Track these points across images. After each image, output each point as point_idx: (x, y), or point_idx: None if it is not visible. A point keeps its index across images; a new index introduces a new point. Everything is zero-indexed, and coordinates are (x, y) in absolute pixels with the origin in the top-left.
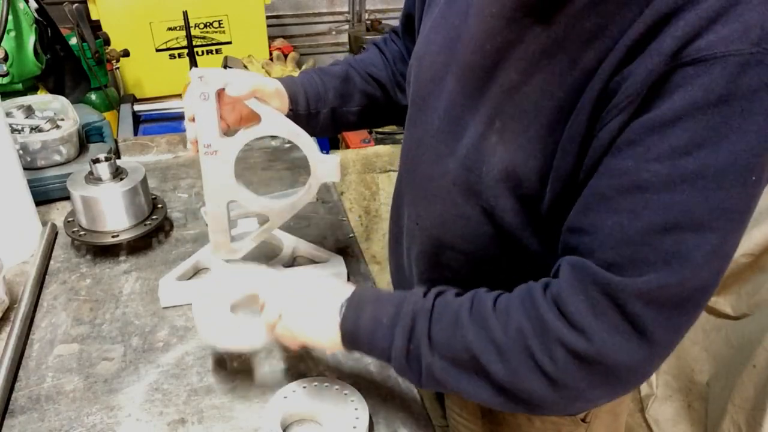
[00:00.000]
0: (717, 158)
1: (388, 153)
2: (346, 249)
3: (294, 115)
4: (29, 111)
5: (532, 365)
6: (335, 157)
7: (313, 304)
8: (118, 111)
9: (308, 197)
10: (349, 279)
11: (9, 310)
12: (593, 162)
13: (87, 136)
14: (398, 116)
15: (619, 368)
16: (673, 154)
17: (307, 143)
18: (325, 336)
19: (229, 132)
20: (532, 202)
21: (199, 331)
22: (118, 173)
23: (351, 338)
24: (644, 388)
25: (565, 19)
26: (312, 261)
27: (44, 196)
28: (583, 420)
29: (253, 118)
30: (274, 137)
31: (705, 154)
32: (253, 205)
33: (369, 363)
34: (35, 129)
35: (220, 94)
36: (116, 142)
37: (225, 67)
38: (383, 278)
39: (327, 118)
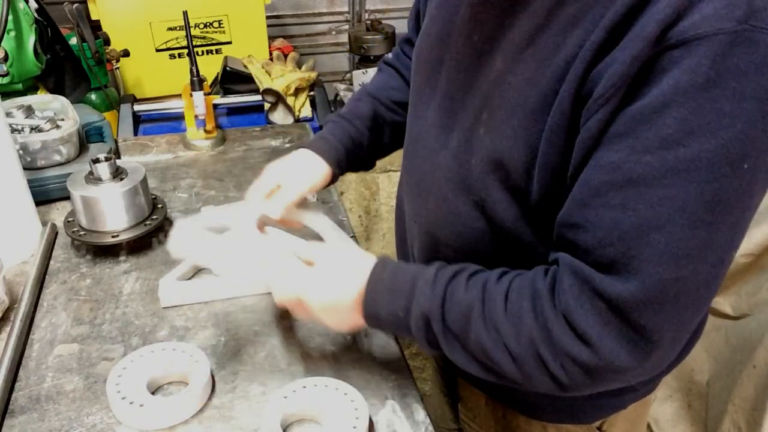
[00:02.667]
0: (708, 148)
1: None
2: None
3: (339, 172)
4: (29, 111)
5: (545, 372)
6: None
7: (333, 296)
8: (118, 111)
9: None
10: None
11: (9, 310)
12: (583, 153)
13: (87, 136)
14: None
15: (628, 372)
16: (664, 144)
17: (338, 238)
18: (347, 326)
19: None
20: (521, 193)
21: (168, 243)
22: (118, 173)
23: (375, 326)
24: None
25: (548, 4)
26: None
27: (44, 196)
28: (599, 428)
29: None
30: (274, 138)
31: (695, 143)
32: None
33: (369, 363)
34: (35, 129)
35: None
36: (116, 142)
37: (225, 67)
38: None
39: (363, 158)
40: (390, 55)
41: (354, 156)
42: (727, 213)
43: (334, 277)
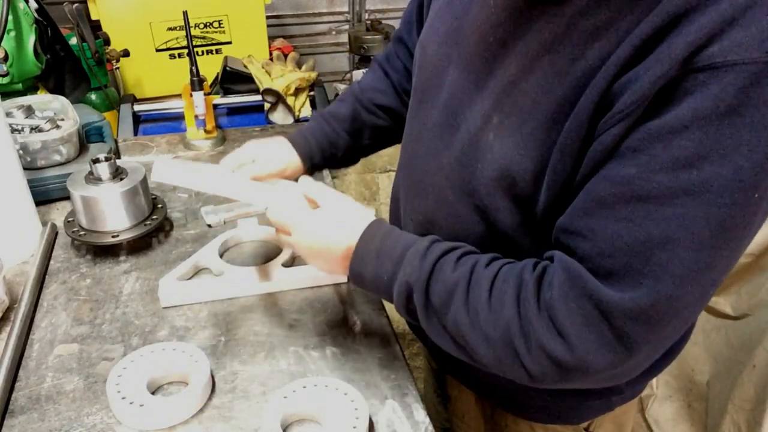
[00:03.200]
0: (721, 173)
1: (388, 153)
2: None
3: (311, 167)
4: (29, 111)
5: (516, 359)
6: None
7: (324, 243)
8: (118, 111)
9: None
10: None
11: (9, 310)
12: (593, 165)
13: (87, 136)
14: None
15: (599, 375)
16: (677, 165)
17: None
18: (327, 271)
19: None
20: (526, 202)
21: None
22: (118, 173)
23: (358, 284)
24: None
25: (570, 13)
26: None
27: (44, 196)
28: (586, 429)
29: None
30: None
31: (709, 167)
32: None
33: (369, 363)
34: (35, 129)
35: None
36: (116, 142)
37: (225, 67)
38: None
39: (342, 157)
40: (382, 54)
41: (330, 155)
42: (730, 239)
43: (330, 225)
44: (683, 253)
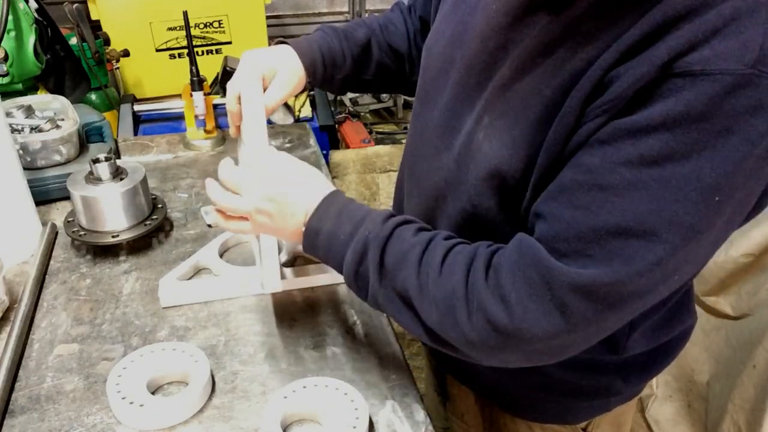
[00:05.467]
0: (680, 171)
1: (388, 153)
2: None
3: (311, 82)
4: (29, 111)
5: (454, 322)
6: None
7: (284, 202)
8: (118, 111)
9: None
10: None
11: (9, 310)
12: (568, 156)
13: (87, 136)
14: (409, 89)
15: (535, 344)
16: (641, 161)
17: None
18: (288, 233)
19: None
20: (513, 201)
21: None
22: (118, 173)
23: (310, 245)
24: (644, 388)
25: (567, 19)
26: (312, 261)
27: (44, 196)
28: (585, 429)
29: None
30: (274, 138)
31: (671, 166)
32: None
33: (369, 363)
34: (35, 129)
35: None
36: (116, 142)
37: (225, 67)
38: None
39: (340, 83)
40: (403, 3)
41: (330, 75)
42: (683, 236)
43: (296, 179)
44: (636, 243)
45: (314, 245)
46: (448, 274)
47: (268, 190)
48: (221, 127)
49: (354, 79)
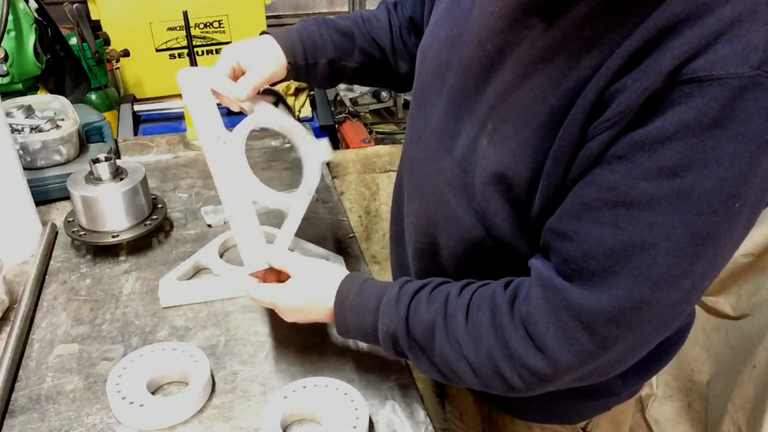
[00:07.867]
0: (703, 183)
1: (388, 153)
2: (346, 249)
3: (293, 66)
4: (29, 111)
5: (503, 381)
6: (324, 140)
7: (305, 311)
8: (118, 111)
9: (313, 180)
10: None
11: (9, 310)
12: (581, 169)
13: (87, 136)
14: (396, 83)
15: (573, 373)
16: (661, 174)
17: (296, 128)
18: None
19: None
20: (522, 206)
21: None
22: (118, 173)
23: (348, 338)
24: (644, 388)
25: (565, 24)
26: None
27: (44, 196)
28: (584, 429)
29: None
30: (274, 137)
31: (692, 176)
32: (273, 202)
33: (369, 363)
34: (35, 129)
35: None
36: (116, 142)
37: None
38: (383, 278)
39: (325, 69)
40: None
41: (312, 54)
42: (709, 246)
43: (308, 295)
44: (662, 259)
45: (354, 338)
46: (477, 336)
47: (293, 316)
48: None
49: (340, 67)
